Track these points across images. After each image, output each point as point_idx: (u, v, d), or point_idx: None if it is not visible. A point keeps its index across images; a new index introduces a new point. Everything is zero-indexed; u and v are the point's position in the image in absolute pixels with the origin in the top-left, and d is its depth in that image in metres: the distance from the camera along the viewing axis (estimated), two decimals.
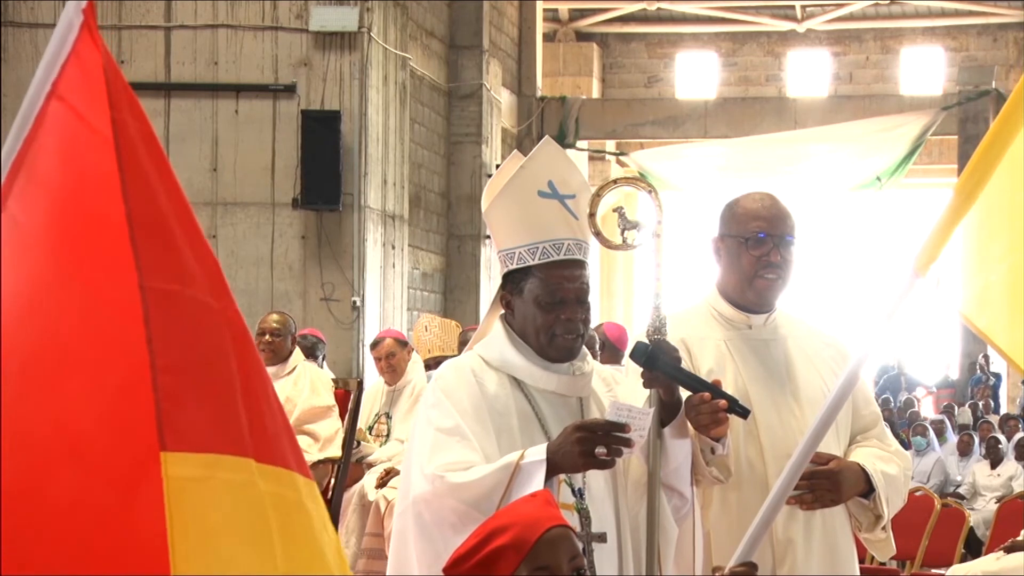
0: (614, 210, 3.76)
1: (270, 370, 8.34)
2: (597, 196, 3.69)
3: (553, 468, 3.43)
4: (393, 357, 9.41)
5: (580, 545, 3.51)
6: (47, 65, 2.25)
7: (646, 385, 3.63)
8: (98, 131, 2.21)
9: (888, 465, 3.98)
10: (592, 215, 3.69)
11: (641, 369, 3.63)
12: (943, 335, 22.92)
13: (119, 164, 2.19)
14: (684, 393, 3.68)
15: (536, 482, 3.38)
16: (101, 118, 2.21)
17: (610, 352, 8.94)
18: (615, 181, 3.80)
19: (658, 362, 3.58)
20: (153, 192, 2.21)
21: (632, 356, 3.61)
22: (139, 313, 2.12)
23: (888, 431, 4.14)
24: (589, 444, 3.39)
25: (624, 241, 3.74)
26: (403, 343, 9.51)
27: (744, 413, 3.62)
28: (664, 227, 3.74)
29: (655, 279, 3.75)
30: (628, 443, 3.42)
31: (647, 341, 3.64)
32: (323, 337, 11.01)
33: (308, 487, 2.28)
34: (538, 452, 3.45)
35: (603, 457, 3.40)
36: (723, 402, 3.58)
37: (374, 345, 9.65)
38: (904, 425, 15.98)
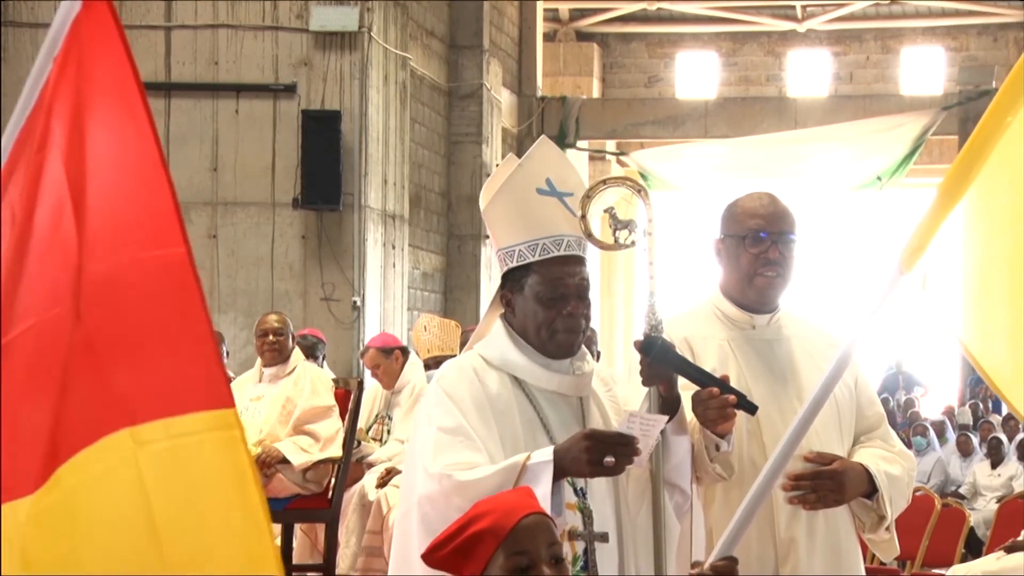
0: (605, 211, 3.75)
1: (272, 370, 8.34)
2: (587, 198, 3.67)
3: (559, 471, 3.44)
4: (378, 368, 9.38)
5: (582, 544, 3.53)
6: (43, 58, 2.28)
7: (645, 383, 3.63)
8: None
9: (892, 466, 3.97)
10: (583, 216, 3.66)
11: (639, 368, 3.62)
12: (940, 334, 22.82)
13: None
14: (684, 392, 3.67)
15: (543, 483, 3.39)
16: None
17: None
18: (603, 182, 3.77)
19: (668, 355, 3.58)
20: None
21: (642, 350, 3.60)
22: None
23: (892, 432, 4.13)
24: (597, 453, 3.42)
25: (616, 241, 3.73)
26: (387, 351, 9.35)
27: (752, 409, 3.62)
28: (655, 226, 3.73)
29: (648, 277, 3.74)
30: (637, 452, 3.46)
31: (654, 336, 3.63)
32: (323, 337, 11.00)
33: (212, 420, 2.27)
34: (544, 453, 3.46)
35: (610, 466, 3.42)
36: (732, 397, 3.58)
37: (362, 354, 9.61)
38: (904, 425, 15.96)
